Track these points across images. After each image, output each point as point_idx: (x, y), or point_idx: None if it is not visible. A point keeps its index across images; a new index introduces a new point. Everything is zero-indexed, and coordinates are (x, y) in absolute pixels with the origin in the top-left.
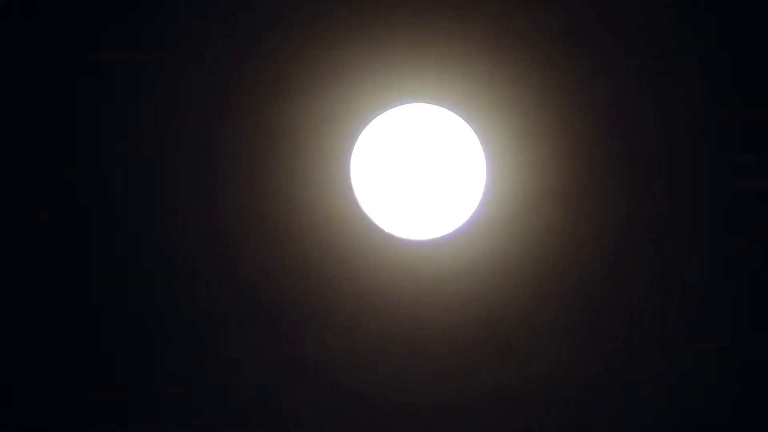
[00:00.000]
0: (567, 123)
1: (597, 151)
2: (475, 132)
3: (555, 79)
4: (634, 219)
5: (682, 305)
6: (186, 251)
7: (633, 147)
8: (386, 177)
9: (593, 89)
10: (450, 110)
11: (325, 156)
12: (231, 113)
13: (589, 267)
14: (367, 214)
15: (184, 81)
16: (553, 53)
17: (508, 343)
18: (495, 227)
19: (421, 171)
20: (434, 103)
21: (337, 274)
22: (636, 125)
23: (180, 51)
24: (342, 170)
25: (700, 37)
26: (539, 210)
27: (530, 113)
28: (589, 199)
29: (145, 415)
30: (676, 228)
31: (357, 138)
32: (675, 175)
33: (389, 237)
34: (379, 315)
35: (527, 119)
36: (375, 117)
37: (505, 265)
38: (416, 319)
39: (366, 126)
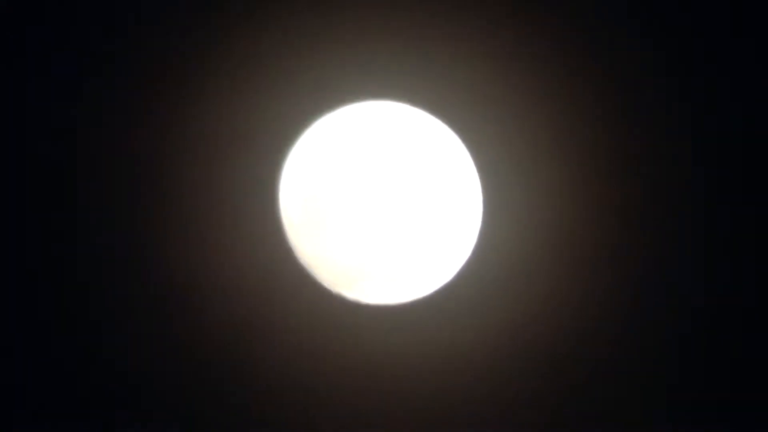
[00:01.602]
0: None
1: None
2: (467, 148)
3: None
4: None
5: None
6: None
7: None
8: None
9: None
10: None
11: (246, 182)
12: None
13: None
14: (305, 266)
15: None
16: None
17: None
18: (486, 292)
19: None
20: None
21: (272, 343)
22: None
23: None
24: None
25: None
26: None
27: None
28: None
29: None
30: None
31: (286, 156)
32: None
33: (337, 300)
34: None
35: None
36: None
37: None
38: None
39: (299, 137)
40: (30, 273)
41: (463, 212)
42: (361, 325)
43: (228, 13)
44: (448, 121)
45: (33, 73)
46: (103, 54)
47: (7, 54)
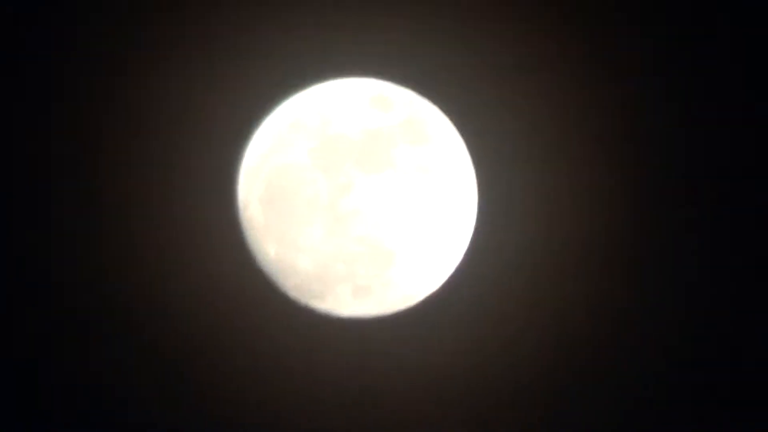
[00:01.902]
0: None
1: None
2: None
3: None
4: None
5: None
6: None
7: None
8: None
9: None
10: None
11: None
12: None
13: None
14: (268, 273)
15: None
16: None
17: None
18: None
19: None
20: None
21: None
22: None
23: None
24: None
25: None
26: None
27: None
28: None
29: None
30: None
31: (247, 141)
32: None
33: (305, 312)
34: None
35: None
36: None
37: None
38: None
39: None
40: None
41: (456, 208)
42: (333, 340)
43: None
44: (440, 104)
45: None
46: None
47: None
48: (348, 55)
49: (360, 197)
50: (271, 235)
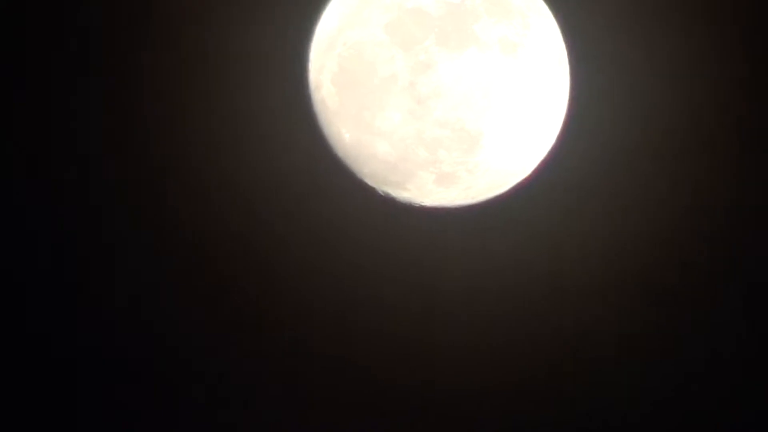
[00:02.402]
0: None
1: None
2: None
3: None
4: None
5: None
6: None
7: None
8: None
9: None
10: None
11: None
12: None
13: None
14: (343, 159)
15: None
16: None
17: None
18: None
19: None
20: None
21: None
22: None
23: None
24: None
25: None
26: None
27: None
28: None
29: None
30: None
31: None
32: None
33: (383, 202)
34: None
35: None
36: None
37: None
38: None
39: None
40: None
41: (547, 88)
42: (415, 232)
43: None
44: None
45: None
46: None
47: None
48: None
49: (442, 77)
50: (345, 119)
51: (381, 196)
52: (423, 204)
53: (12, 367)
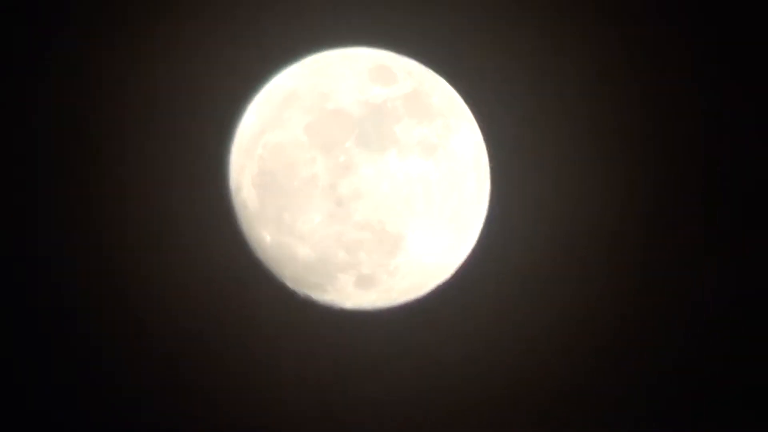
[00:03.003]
0: None
1: None
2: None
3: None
4: None
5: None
6: None
7: None
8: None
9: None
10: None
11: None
12: None
13: None
14: (263, 261)
15: None
16: None
17: None
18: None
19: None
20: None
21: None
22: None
23: None
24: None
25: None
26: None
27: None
28: None
29: None
30: None
31: (239, 113)
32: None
33: (304, 304)
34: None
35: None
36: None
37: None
38: None
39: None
40: None
41: (467, 190)
42: (335, 334)
43: None
44: (447, 75)
45: None
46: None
47: None
48: (346, 21)
49: (362, 178)
50: (266, 221)
51: (301, 298)
52: (343, 307)
53: None
